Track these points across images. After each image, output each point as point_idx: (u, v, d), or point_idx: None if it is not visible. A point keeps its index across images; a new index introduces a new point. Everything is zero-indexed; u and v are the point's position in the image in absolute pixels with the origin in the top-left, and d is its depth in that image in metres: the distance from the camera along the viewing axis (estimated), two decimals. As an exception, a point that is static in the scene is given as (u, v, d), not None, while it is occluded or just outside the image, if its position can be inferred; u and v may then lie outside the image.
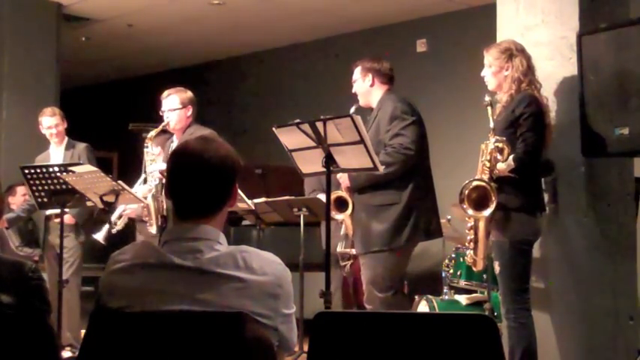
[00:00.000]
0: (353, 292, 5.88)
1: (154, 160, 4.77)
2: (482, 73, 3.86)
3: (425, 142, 4.27)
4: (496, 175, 3.60)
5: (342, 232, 4.56)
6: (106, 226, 5.32)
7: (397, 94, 4.29)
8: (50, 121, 5.68)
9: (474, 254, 3.72)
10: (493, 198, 3.52)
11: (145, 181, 5.30)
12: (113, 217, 5.27)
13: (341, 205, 4.29)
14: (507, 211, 3.63)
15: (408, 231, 4.11)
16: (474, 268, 3.88)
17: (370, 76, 4.31)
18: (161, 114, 4.74)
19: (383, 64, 4.34)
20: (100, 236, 5.30)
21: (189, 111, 4.74)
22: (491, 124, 3.61)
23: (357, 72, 4.36)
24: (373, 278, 4.17)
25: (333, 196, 4.19)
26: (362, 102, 4.36)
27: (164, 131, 4.86)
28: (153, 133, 4.67)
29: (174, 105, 4.72)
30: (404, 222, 4.10)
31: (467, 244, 3.83)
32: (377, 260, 4.15)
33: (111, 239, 5.33)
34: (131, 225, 5.39)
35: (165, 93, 4.77)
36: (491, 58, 3.79)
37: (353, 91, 4.39)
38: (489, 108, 3.64)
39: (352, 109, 3.99)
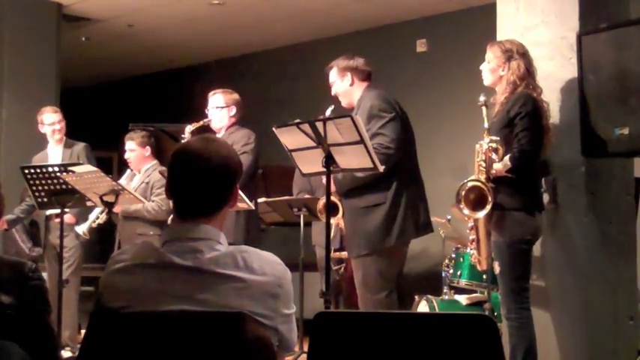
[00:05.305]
0: (348, 293, 5.87)
1: None
2: (481, 67, 3.86)
3: (409, 137, 4.18)
4: (493, 176, 3.60)
5: (332, 235, 4.54)
6: (89, 220, 5.35)
7: (375, 91, 4.17)
8: (53, 117, 5.74)
9: (478, 254, 3.73)
10: (489, 198, 3.52)
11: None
12: (96, 212, 5.30)
13: (331, 209, 4.25)
14: (505, 211, 3.63)
15: (396, 230, 4.04)
16: (479, 268, 3.88)
17: (349, 75, 4.22)
18: (206, 112, 4.88)
19: (358, 61, 4.25)
20: (80, 229, 5.34)
21: (232, 111, 4.85)
22: (486, 125, 3.61)
23: (334, 73, 4.27)
24: (365, 280, 4.13)
25: (323, 200, 4.17)
26: (344, 102, 4.28)
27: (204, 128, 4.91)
28: (191, 127, 4.70)
29: (218, 103, 4.85)
30: (391, 221, 4.04)
31: (469, 244, 3.83)
32: (368, 262, 4.10)
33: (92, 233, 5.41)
34: (112, 221, 5.41)
35: (212, 92, 4.92)
36: (491, 55, 3.80)
37: (332, 93, 4.30)
38: (484, 108, 3.62)
39: (328, 111, 3.90)
